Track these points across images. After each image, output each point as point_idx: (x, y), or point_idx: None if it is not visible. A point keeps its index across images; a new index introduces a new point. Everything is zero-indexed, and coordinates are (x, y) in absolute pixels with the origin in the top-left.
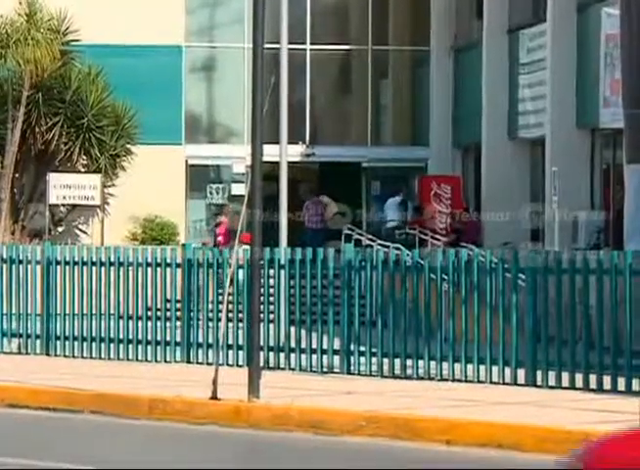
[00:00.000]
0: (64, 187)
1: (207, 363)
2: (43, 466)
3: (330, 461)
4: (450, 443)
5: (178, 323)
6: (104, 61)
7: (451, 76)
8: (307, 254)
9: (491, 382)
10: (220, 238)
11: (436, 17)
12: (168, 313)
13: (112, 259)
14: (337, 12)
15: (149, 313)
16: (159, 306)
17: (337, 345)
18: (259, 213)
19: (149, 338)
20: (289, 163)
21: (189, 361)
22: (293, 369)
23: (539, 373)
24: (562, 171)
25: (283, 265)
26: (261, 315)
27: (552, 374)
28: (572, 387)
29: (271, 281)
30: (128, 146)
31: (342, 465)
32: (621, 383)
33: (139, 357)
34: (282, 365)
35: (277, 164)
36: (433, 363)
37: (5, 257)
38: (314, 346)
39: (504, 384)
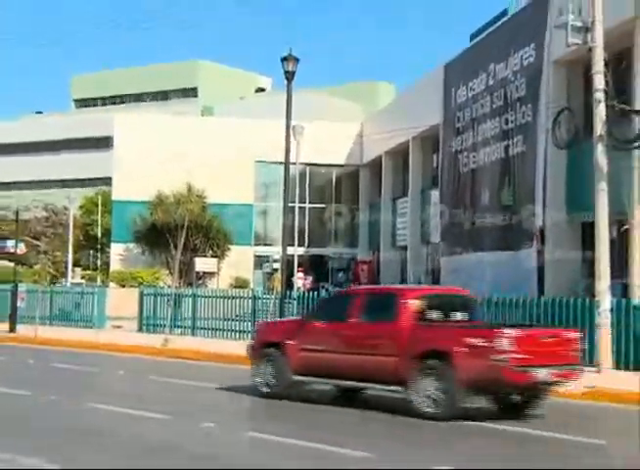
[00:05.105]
0: (201, 264)
1: None
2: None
3: None
4: None
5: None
6: (219, 209)
7: (367, 218)
8: (303, 294)
9: None
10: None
11: (362, 192)
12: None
13: (221, 294)
14: (320, 190)
15: (236, 317)
16: (240, 315)
17: None
18: (285, 277)
19: (235, 328)
20: (298, 255)
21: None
22: None
23: None
24: (415, 262)
25: (294, 298)
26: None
27: None
28: None
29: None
30: (228, 246)
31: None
32: None
33: (230, 338)
34: None
35: (293, 255)
36: None
37: (178, 293)
38: None
39: None
